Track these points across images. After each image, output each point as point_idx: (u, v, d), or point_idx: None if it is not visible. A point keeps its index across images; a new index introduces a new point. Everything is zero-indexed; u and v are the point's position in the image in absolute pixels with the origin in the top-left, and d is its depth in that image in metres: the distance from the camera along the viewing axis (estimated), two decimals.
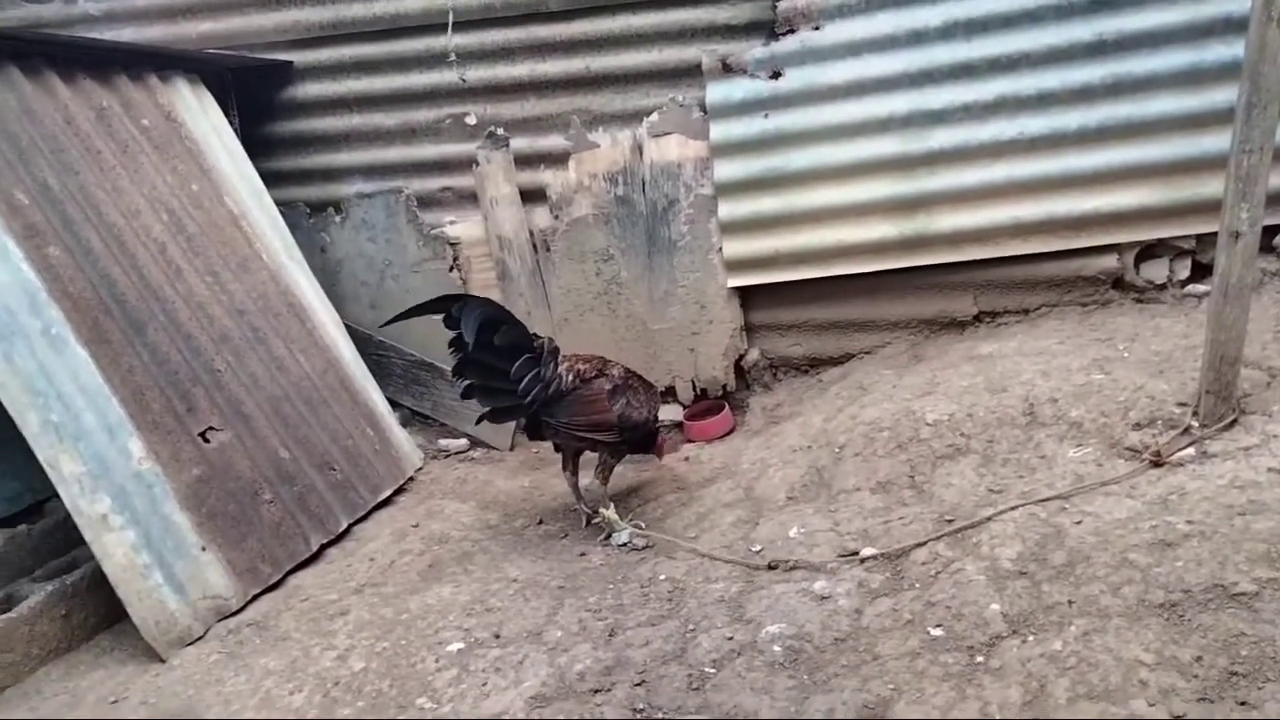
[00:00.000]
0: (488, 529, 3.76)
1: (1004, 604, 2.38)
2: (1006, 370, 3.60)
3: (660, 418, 3.85)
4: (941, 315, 4.50)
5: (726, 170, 4.49)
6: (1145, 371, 3.31)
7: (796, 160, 4.38)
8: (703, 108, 4.51)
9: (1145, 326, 3.87)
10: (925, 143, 4.23)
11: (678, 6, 4.47)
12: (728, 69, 4.43)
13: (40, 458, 2.92)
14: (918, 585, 2.61)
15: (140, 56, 4.12)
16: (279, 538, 3.44)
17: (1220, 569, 2.23)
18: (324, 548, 3.61)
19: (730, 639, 2.55)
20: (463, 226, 4.94)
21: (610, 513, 3.48)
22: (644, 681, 2.45)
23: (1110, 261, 4.19)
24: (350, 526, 3.77)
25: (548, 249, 4.85)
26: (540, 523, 3.79)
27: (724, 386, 4.83)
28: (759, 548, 3.08)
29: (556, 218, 4.81)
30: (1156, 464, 2.79)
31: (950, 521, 2.86)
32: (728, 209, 4.52)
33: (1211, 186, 3.76)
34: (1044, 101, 4.10)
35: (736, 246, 4.56)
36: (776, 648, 2.47)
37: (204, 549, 3.15)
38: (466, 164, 4.80)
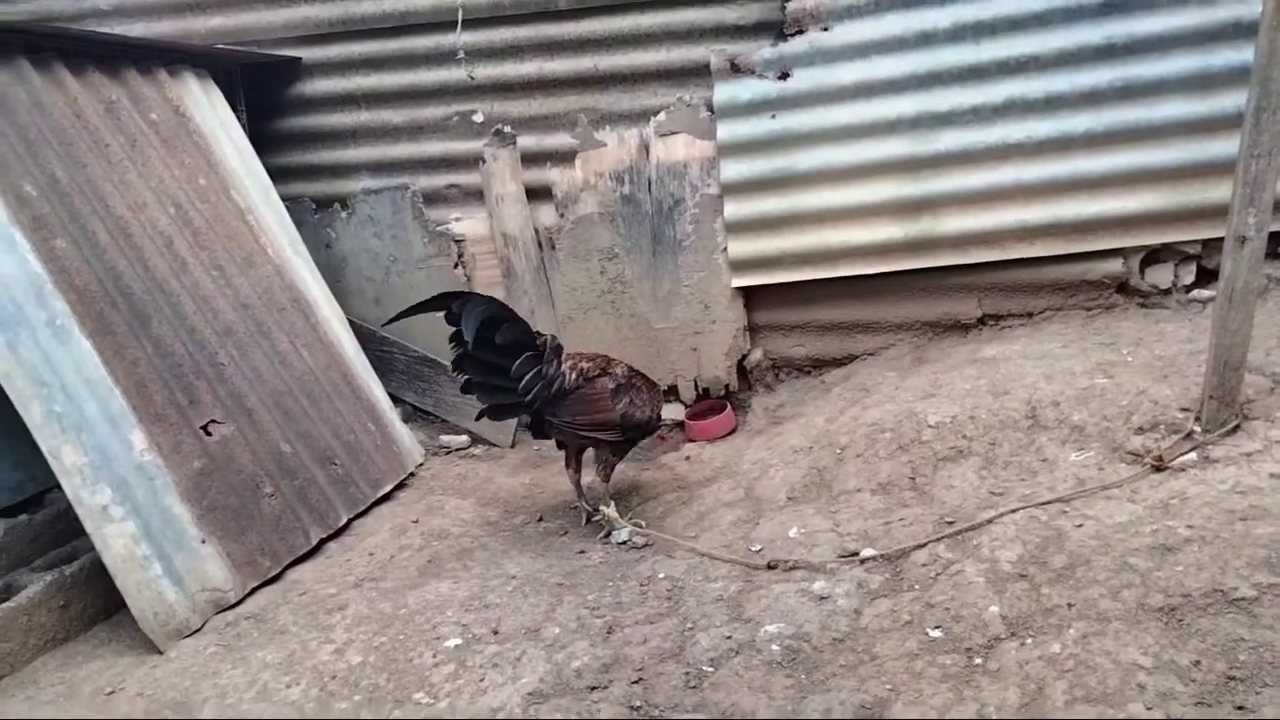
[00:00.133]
0: (488, 525, 3.76)
1: (1003, 606, 2.37)
2: (1009, 373, 3.59)
3: (663, 416, 3.85)
4: (945, 318, 4.49)
5: (733, 170, 4.48)
6: (1148, 376, 3.30)
7: (803, 161, 4.38)
8: (710, 108, 4.51)
9: (1149, 331, 3.85)
10: (932, 145, 4.23)
11: (686, 6, 4.47)
12: (736, 69, 4.43)
13: (43, 448, 2.93)
14: (917, 587, 2.60)
15: (149, 51, 4.14)
16: (279, 531, 3.44)
17: (1220, 574, 2.22)
18: (324, 542, 3.61)
19: (729, 638, 2.55)
20: (468, 223, 4.94)
21: (611, 510, 3.47)
22: (642, 679, 2.45)
23: (1115, 266, 4.17)
24: (350, 521, 3.78)
25: (553, 247, 4.85)
26: (540, 520, 3.79)
27: (726, 386, 4.83)
28: (759, 547, 3.08)
29: (562, 216, 4.82)
30: (1158, 468, 2.78)
31: (951, 523, 2.85)
32: (733, 209, 4.52)
33: (1218, 191, 3.74)
34: (1052, 105, 4.09)
35: (742, 246, 4.55)
36: (775, 647, 2.46)
37: (204, 541, 3.16)
38: (473, 161, 4.81)
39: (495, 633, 2.79)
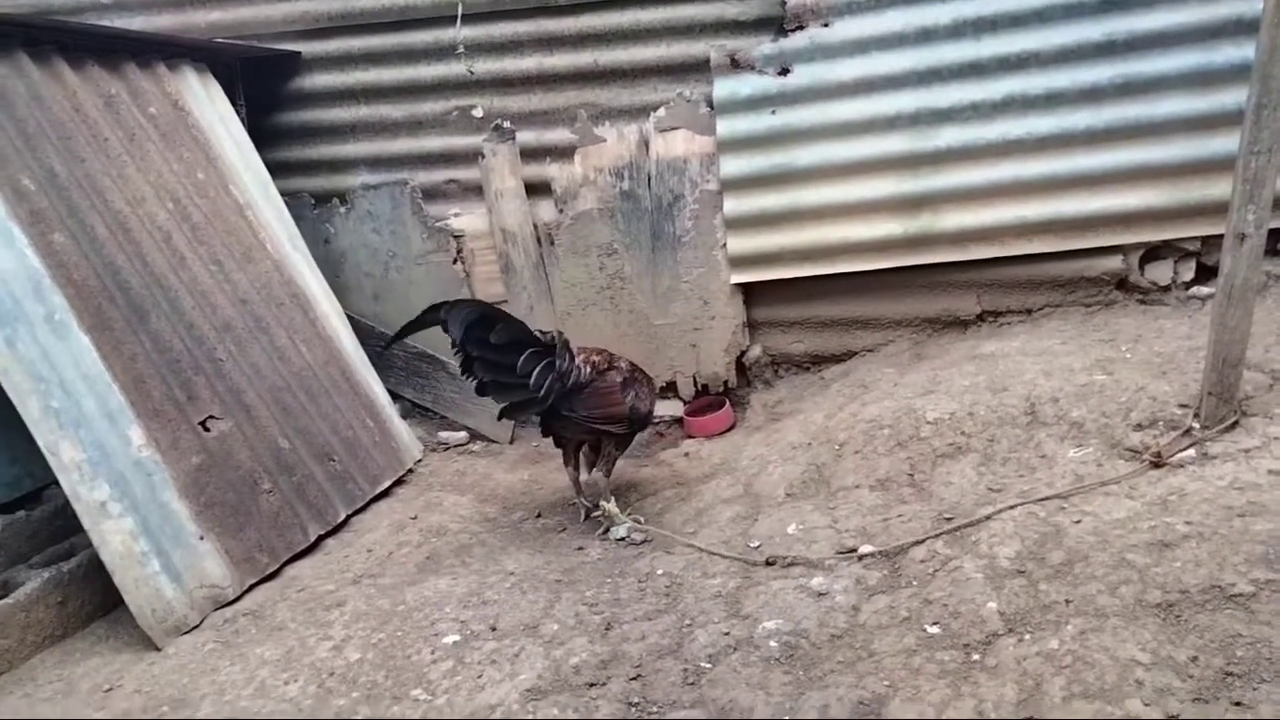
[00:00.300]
0: (486, 522, 3.76)
1: (1001, 602, 2.37)
2: (1008, 370, 3.59)
3: (656, 410, 3.85)
4: (944, 314, 4.48)
5: (732, 166, 4.48)
6: (1147, 373, 3.30)
7: (803, 157, 4.38)
8: (710, 103, 4.51)
9: (1148, 328, 3.85)
10: (932, 141, 4.22)
11: (686, 2, 4.46)
12: (736, 65, 4.42)
13: (40, 444, 2.93)
14: (915, 583, 2.60)
15: (149, 45, 4.13)
16: (277, 528, 3.44)
17: (1218, 570, 2.22)
18: (322, 538, 3.61)
19: (727, 634, 2.55)
20: (467, 219, 4.94)
21: (611, 505, 3.47)
22: (640, 675, 2.45)
23: (1115, 262, 4.17)
24: (349, 517, 3.78)
25: (552, 243, 4.85)
26: (539, 516, 3.79)
27: (725, 383, 4.83)
28: (757, 544, 3.08)
29: (561, 211, 4.81)
30: (1157, 465, 2.77)
31: (949, 520, 2.85)
32: (733, 205, 4.51)
33: (1218, 188, 3.74)
34: (1052, 101, 4.08)
35: (741, 242, 4.55)
36: (773, 643, 2.46)
37: (202, 538, 3.16)
38: (472, 156, 4.80)
39: (493, 629, 2.79)
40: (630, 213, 4.71)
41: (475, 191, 4.89)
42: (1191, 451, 2.79)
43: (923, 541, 2.76)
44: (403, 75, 4.83)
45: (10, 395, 2.92)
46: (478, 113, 4.82)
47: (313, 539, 3.56)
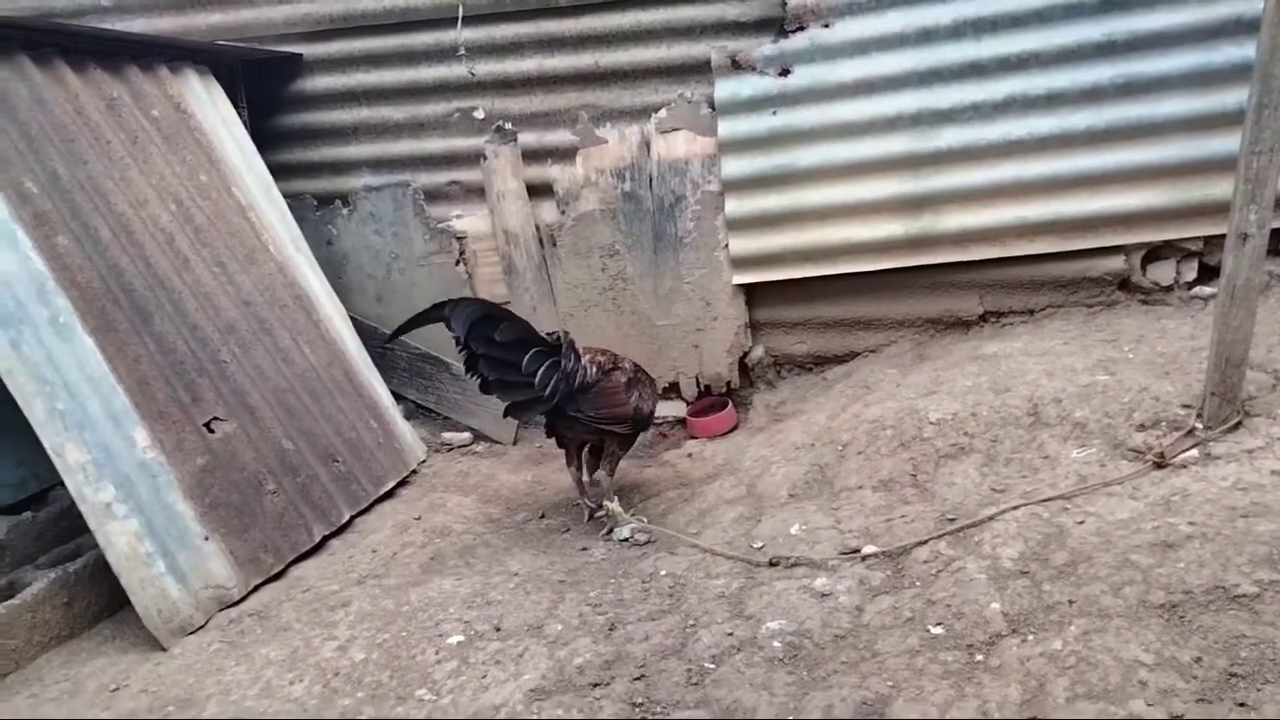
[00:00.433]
0: (490, 522, 3.77)
1: (1004, 603, 2.38)
2: (1011, 370, 3.59)
3: (659, 411, 3.85)
4: (947, 314, 4.49)
5: (734, 167, 4.48)
6: (1150, 373, 3.30)
7: (804, 158, 4.38)
8: (711, 104, 4.51)
9: (1151, 328, 3.85)
10: (933, 141, 4.22)
11: (688, 3, 4.47)
12: (737, 66, 4.42)
13: (46, 445, 2.94)
14: (918, 583, 2.60)
15: (150, 47, 4.13)
16: (281, 528, 3.45)
17: (1222, 571, 2.22)
18: (326, 539, 3.62)
19: (730, 635, 2.55)
20: (469, 220, 4.95)
21: (615, 505, 3.47)
22: (643, 676, 2.46)
23: (1117, 263, 4.18)
24: (353, 518, 3.78)
25: (554, 244, 4.85)
26: (542, 517, 3.80)
27: (728, 383, 4.83)
28: (760, 544, 3.08)
29: (563, 213, 4.82)
30: (1160, 465, 2.78)
31: (952, 520, 2.85)
32: (734, 206, 4.52)
33: (1220, 188, 3.75)
34: (1053, 101, 4.08)
35: (743, 243, 4.55)
36: (776, 644, 2.47)
37: (207, 538, 3.17)
38: (474, 158, 4.81)
39: (498, 630, 2.80)
40: (632, 214, 4.72)
41: (477, 193, 4.90)
42: (1194, 452, 2.80)
43: (926, 542, 2.76)
44: (404, 77, 4.84)
45: (16, 397, 2.93)
46: (479, 114, 4.83)
47: (317, 539, 3.56)
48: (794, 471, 3.53)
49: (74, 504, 2.96)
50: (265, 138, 4.77)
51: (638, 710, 2.32)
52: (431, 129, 4.91)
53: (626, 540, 3.40)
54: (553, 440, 3.75)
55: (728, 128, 4.46)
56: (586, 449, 3.70)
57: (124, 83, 3.87)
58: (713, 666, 2.44)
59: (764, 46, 4.38)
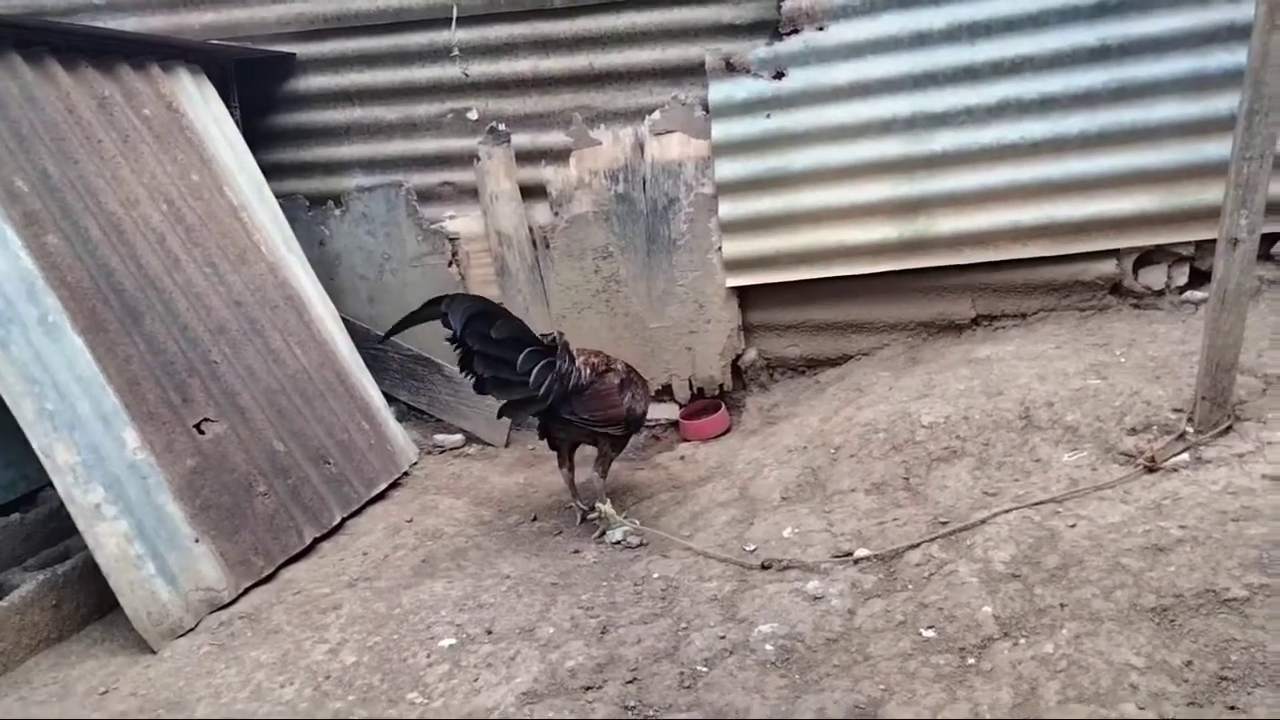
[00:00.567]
0: (482, 525, 3.76)
1: (996, 606, 2.38)
2: (1003, 374, 3.60)
3: (652, 413, 3.85)
4: (939, 318, 4.50)
5: (728, 169, 4.48)
6: (1141, 377, 3.31)
7: (798, 161, 4.38)
8: (705, 107, 4.51)
9: (1142, 332, 3.87)
10: (927, 145, 4.23)
11: (682, 5, 4.46)
12: (731, 68, 4.42)
13: (34, 446, 2.92)
14: (911, 587, 2.61)
15: (142, 46, 4.12)
16: (272, 530, 3.43)
17: (1212, 574, 2.23)
18: (317, 541, 3.60)
19: (723, 638, 2.55)
20: (462, 221, 4.94)
21: (608, 507, 3.47)
22: (636, 679, 2.45)
23: (1109, 267, 4.19)
24: (344, 520, 3.77)
25: (547, 245, 4.85)
26: (534, 519, 3.79)
27: (721, 386, 4.83)
28: (753, 547, 3.08)
29: (556, 214, 4.81)
30: (1151, 469, 2.79)
31: (944, 524, 2.86)
32: (728, 208, 4.52)
33: (1211, 193, 3.76)
34: (1046, 106, 4.09)
35: (736, 246, 4.55)
36: (769, 647, 2.47)
37: (197, 540, 3.15)
38: (467, 159, 4.80)
39: (489, 632, 2.79)
40: (625, 216, 4.72)
41: (470, 194, 4.89)
42: (1185, 456, 2.81)
43: (918, 545, 2.77)
44: (397, 77, 4.83)
45: (4, 397, 2.91)
46: (473, 115, 4.82)
47: (308, 542, 3.55)
48: (786, 474, 3.53)
49: (63, 505, 2.94)
50: (258, 137, 4.75)
51: (630, 713, 2.32)
52: (425, 130, 4.90)
53: (619, 543, 3.40)
54: (545, 442, 3.75)
55: (722, 130, 4.46)
56: (577, 451, 3.69)
57: (116, 81, 3.86)
58: (705, 669, 2.43)
59: (758, 49, 4.38)
